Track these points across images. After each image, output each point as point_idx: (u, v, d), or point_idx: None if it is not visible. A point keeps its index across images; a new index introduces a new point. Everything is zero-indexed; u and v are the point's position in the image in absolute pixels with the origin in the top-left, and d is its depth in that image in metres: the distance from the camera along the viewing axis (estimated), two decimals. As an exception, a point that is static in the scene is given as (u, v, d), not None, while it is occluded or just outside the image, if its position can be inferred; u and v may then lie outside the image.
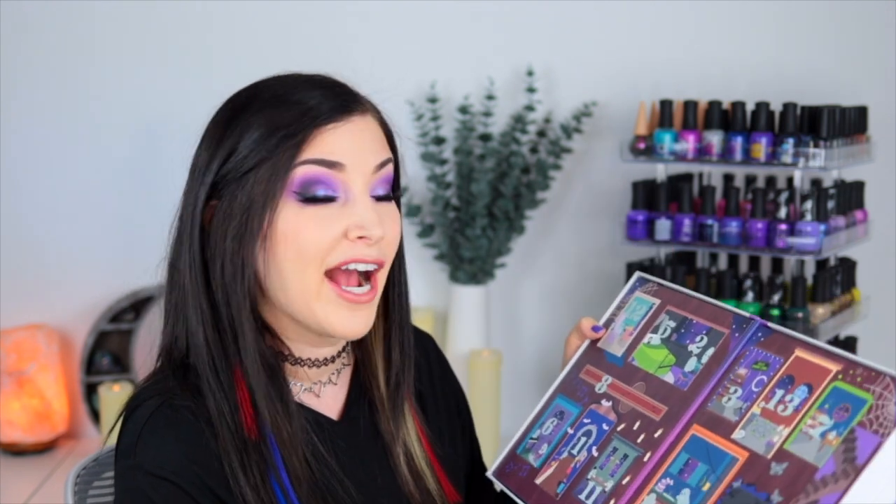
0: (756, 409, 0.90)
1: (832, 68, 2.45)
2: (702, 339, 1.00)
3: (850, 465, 0.81)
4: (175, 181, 1.13)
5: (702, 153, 2.13)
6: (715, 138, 2.11)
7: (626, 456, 0.98)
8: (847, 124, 2.11)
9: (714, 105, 2.12)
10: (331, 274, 1.01)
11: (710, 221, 2.11)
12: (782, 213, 2.06)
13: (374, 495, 1.06)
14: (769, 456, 0.87)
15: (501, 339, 2.59)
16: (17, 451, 2.45)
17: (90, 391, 2.51)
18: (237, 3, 2.48)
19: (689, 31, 2.50)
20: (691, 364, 0.99)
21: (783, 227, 2.03)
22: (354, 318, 1.02)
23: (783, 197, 2.07)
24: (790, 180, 2.21)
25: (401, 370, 1.11)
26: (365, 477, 1.07)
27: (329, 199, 1.00)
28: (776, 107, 2.08)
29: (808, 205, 2.03)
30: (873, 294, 2.36)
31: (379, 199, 1.03)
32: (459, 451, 1.21)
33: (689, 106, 2.14)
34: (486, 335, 2.50)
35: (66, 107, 2.50)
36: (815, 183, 2.19)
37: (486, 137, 2.44)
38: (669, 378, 1.00)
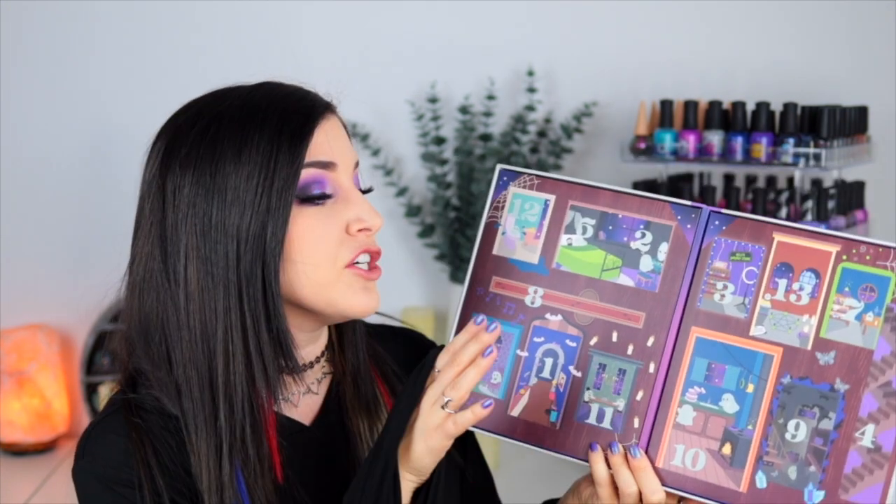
0: (765, 303, 0.88)
1: (832, 68, 2.45)
2: (643, 234, 0.94)
3: None
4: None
5: (702, 153, 2.13)
6: (715, 138, 2.11)
7: (622, 371, 0.92)
8: (847, 124, 2.11)
9: (714, 105, 2.11)
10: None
11: (710, 221, 2.10)
12: (783, 213, 2.06)
13: (338, 498, 1.07)
14: (808, 347, 0.85)
15: (501, 339, 2.59)
16: (17, 451, 2.45)
17: (90, 391, 2.51)
18: (235, 3, 2.48)
19: (689, 30, 2.50)
20: (647, 263, 0.93)
21: (783, 227, 2.04)
22: (369, 296, 1.03)
23: (783, 197, 2.07)
24: (790, 180, 2.21)
25: (341, 390, 1.12)
26: (330, 480, 1.09)
27: (325, 197, 1.01)
28: (776, 107, 2.08)
29: (809, 205, 2.03)
30: (873, 294, 2.35)
31: (363, 192, 1.06)
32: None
33: (690, 106, 2.14)
34: (487, 335, 2.50)
35: (67, 106, 2.50)
36: (816, 183, 2.18)
37: (486, 137, 2.44)
38: (625, 281, 0.94)
